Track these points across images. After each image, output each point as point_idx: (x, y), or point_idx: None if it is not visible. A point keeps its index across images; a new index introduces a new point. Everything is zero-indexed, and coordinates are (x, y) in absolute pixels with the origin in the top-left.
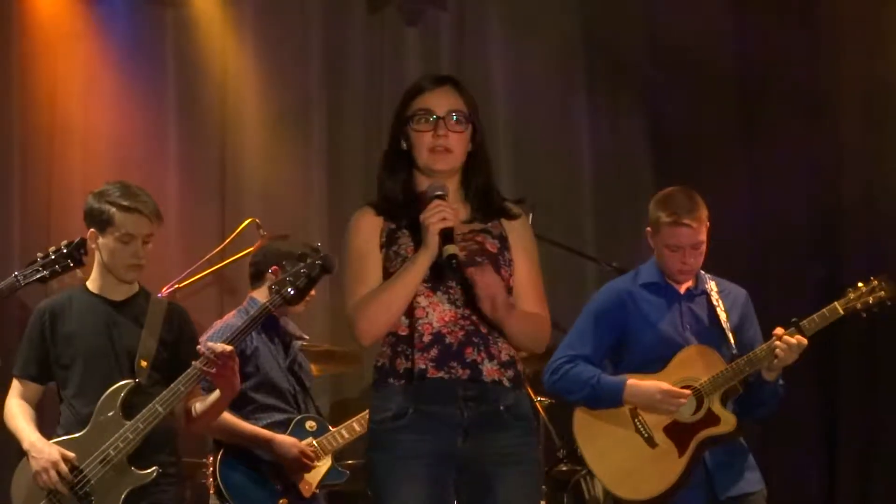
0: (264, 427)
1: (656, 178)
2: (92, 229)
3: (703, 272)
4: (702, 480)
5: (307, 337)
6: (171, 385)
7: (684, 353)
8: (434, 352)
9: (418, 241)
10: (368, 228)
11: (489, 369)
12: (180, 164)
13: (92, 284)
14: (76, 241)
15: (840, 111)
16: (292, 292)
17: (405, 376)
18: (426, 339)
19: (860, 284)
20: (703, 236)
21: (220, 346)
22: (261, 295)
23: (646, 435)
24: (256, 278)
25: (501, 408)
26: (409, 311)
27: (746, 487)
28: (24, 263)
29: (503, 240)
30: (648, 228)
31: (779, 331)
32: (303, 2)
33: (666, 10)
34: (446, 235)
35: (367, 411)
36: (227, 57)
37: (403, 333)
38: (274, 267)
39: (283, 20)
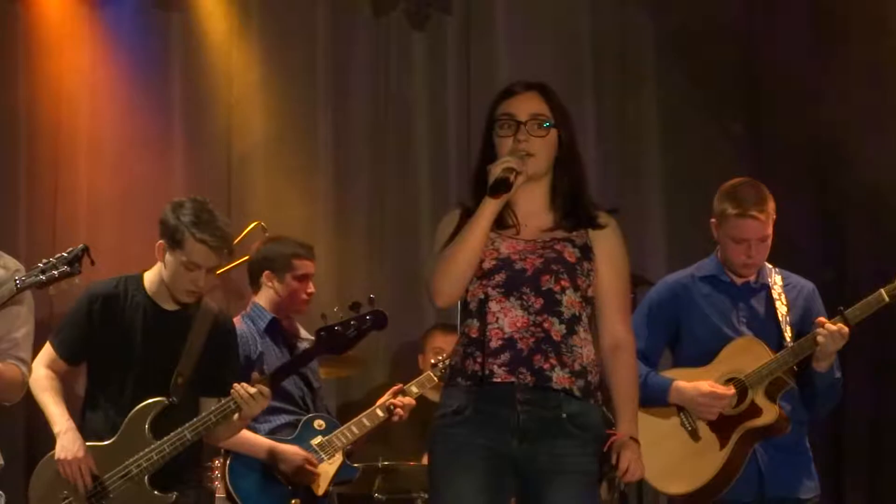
0: (273, 430)
1: (664, 180)
2: (161, 241)
3: (768, 265)
4: (753, 476)
5: (312, 338)
6: (204, 414)
7: (732, 346)
8: (504, 356)
9: None
10: (453, 225)
11: (559, 377)
12: (186, 168)
13: (149, 284)
14: (77, 249)
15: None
16: (340, 346)
17: (473, 378)
18: (496, 343)
19: None
20: (770, 230)
21: (254, 391)
22: (262, 299)
23: (690, 428)
24: (254, 282)
25: (564, 415)
26: (482, 315)
27: (800, 493)
28: (29, 268)
29: (586, 250)
30: (713, 220)
31: (821, 319)
32: (309, 6)
33: (675, 9)
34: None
35: (374, 406)
36: (233, 61)
37: (475, 335)
38: (266, 272)
39: (288, 24)
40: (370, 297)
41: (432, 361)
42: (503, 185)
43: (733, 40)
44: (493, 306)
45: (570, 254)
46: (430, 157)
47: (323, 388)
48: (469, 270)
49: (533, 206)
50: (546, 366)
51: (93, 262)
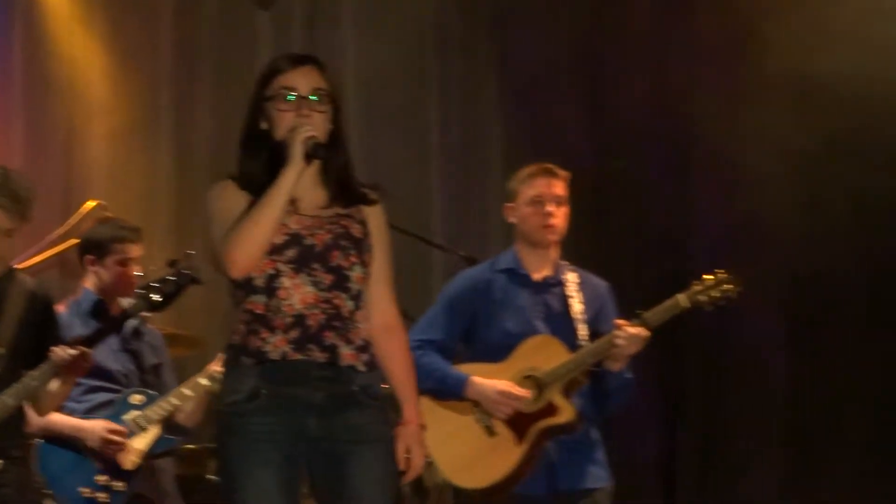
0: (90, 409)
1: (506, 169)
2: None
3: (563, 263)
4: (543, 472)
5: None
6: (24, 378)
7: (529, 343)
8: (294, 333)
9: None
10: (232, 196)
11: (346, 353)
12: (26, 147)
13: None
14: None
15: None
16: (160, 299)
17: (260, 356)
18: (287, 320)
19: (705, 277)
20: (564, 192)
21: (74, 351)
22: (89, 283)
23: (485, 424)
24: (80, 265)
25: (355, 388)
26: (271, 291)
27: (589, 483)
28: None
29: (365, 225)
30: (508, 204)
31: (620, 322)
32: None
33: None
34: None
35: (196, 376)
36: (75, 38)
37: (260, 312)
38: (87, 256)
39: (134, 3)
40: (187, 253)
41: None
42: (320, 151)
43: (577, 19)
44: (286, 282)
45: (357, 229)
46: None
47: (169, 365)
48: (269, 240)
49: (307, 181)
50: (336, 342)
51: None
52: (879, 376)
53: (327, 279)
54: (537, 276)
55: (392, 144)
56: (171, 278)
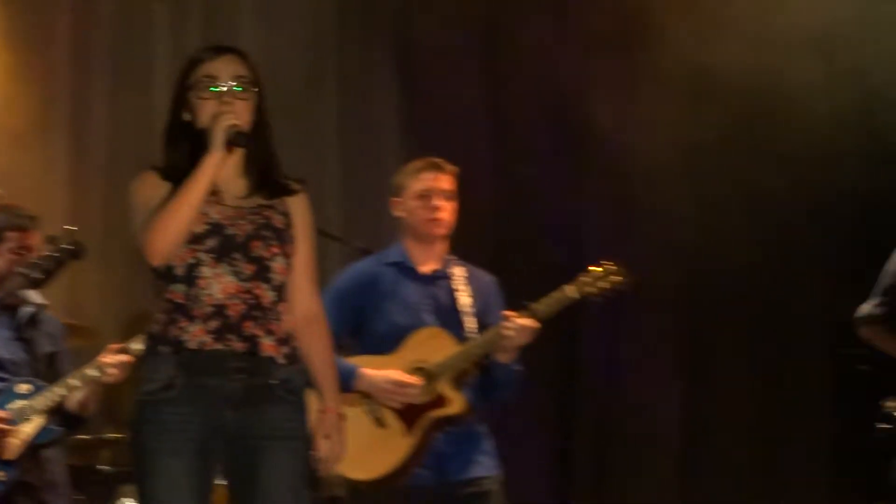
0: None
1: (403, 162)
2: None
3: (451, 257)
4: (433, 463)
5: (44, 302)
6: None
7: (418, 335)
8: (214, 323)
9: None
10: (153, 186)
11: (266, 345)
12: None
13: None
14: None
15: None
16: (41, 276)
17: (178, 345)
18: (207, 309)
19: (593, 269)
20: (452, 186)
21: None
22: None
23: (375, 416)
24: None
25: (273, 382)
26: (191, 280)
27: (478, 471)
28: None
29: (288, 217)
30: (395, 198)
31: (509, 313)
32: None
33: None
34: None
35: (85, 366)
36: None
37: (180, 301)
38: None
39: None
40: (66, 228)
41: None
42: (242, 139)
43: (475, 11)
44: (206, 272)
45: (278, 220)
46: None
47: (67, 355)
48: (189, 226)
49: (229, 171)
50: (256, 333)
51: None
52: (772, 368)
53: (248, 269)
54: (425, 269)
55: (289, 136)
56: (51, 254)
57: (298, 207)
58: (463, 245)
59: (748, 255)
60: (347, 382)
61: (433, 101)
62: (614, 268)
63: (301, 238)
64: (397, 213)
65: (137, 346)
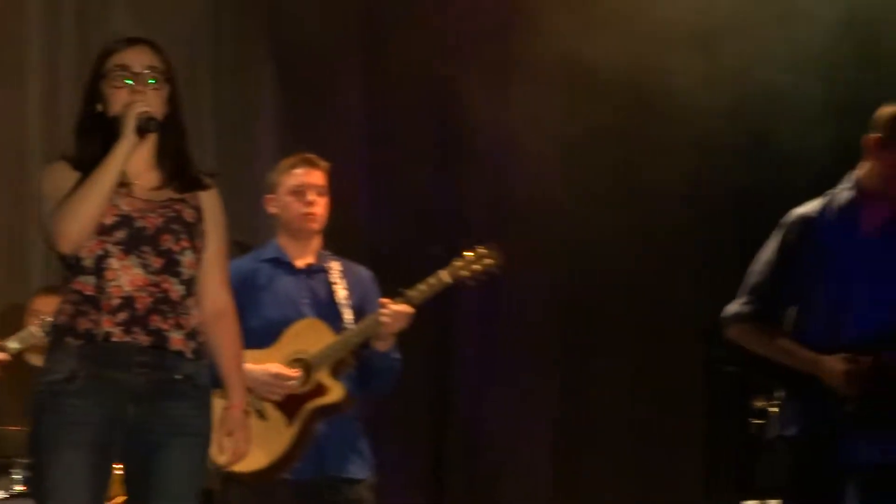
0: None
1: (280, 157)
2: None
3: (326, 252)
4: (313, 457)
5: None
6: None
7: (296, 327)
8: (122, 316)
9: None
10: (63, 175)
11: (175, 339)
12: None
13: None
14: None
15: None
16: None
17: (85, 337)
18: (114, 302)
19: (466, 254)
20: (325, 182)
21: None
22: None
23: (256, 408)
24: None
25: (178, 377)
26: (99, 272)
27: (353, 473)
28: None
29: (199, 211)
30: (269, 196)
31: (384, 300)
32: None
33: None
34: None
35: None
36: None
37: (88, 293)
38: None
39: None
40: None
41: (37, 322)
42: (152, 124)
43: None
44: (114, 263)
45: (189, 214)
46: (43, 113)
47: None
48: (100, 214)
49: (140, 164)
50: (164, 326)
51: None
52: (647, 367)
53: (157, 262)
54: (301, 263)
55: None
56: None
57: (210, 202)
58: (339, 241)
59: (625, 251)
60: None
61: (310, 98)
62: (486, 251)
63: (212, 233)
64: (272, 209)
65: (14, 345)
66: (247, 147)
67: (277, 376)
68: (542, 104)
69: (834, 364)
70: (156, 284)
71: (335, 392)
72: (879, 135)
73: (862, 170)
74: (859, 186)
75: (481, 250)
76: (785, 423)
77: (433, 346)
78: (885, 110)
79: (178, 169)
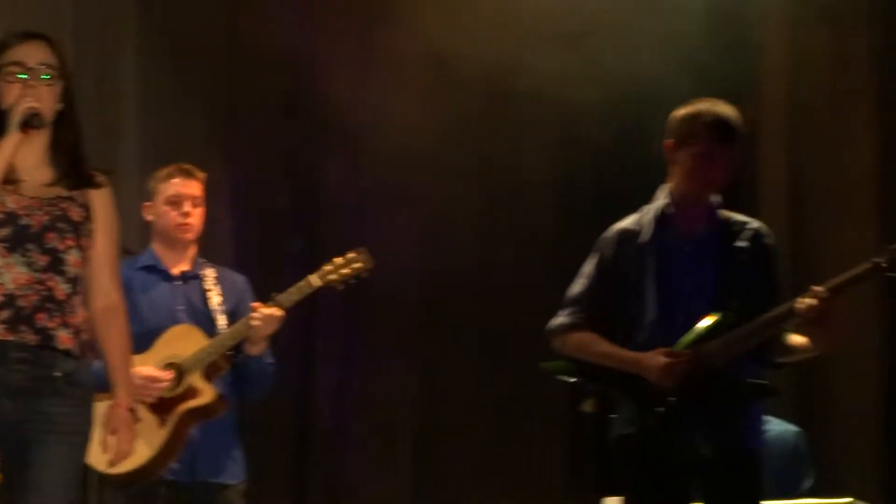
0: None
1: (146, 162)
2: None
3: (201, 260)
4: (187, 457)
5: None
6: None
7: (170, 333)
8: (5, 314)
9: None
10: None
11: (63, 336)
12: None
13: None
14: None
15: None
16: None
17: None
18: None
19: (336, 259)
20: (201, 192)
21: None
22: None
23: None
24: None
25: (57, 374)
26: None
27: (224, 478)
28: None
29: (87, 209)
30: (146, 203)
31: (256, 304)
32: None
33: None
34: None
35: None
36: None
37: None
38: None
39: None
40: None
41: None
42: (36, 120)
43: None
44: None
45: (76, 212)
46: None
47: None
48: None
49: (31, 160)
50: (50, 325)
51: None
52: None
53: (42, 261)
54: (176, 271)
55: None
56: None
57: (101, 201)
58: (205, 243)
59: (485, 244)
60: (105, 381)
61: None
62: (356, 255)
63: (101, 231)
64: (148, 217)
65: None
66: (108, 155)
67: (149, 378)
68: (407, 99)
69: (652, 360)
70: (41, 282)
71: (206, 395)
72: (672, 139)
73: (670, 177)
74: (671, 194)
75: (351, 255)
76: (622, 423)
77: (294, 346)
78: (673, 114)
79: (71, 166)
